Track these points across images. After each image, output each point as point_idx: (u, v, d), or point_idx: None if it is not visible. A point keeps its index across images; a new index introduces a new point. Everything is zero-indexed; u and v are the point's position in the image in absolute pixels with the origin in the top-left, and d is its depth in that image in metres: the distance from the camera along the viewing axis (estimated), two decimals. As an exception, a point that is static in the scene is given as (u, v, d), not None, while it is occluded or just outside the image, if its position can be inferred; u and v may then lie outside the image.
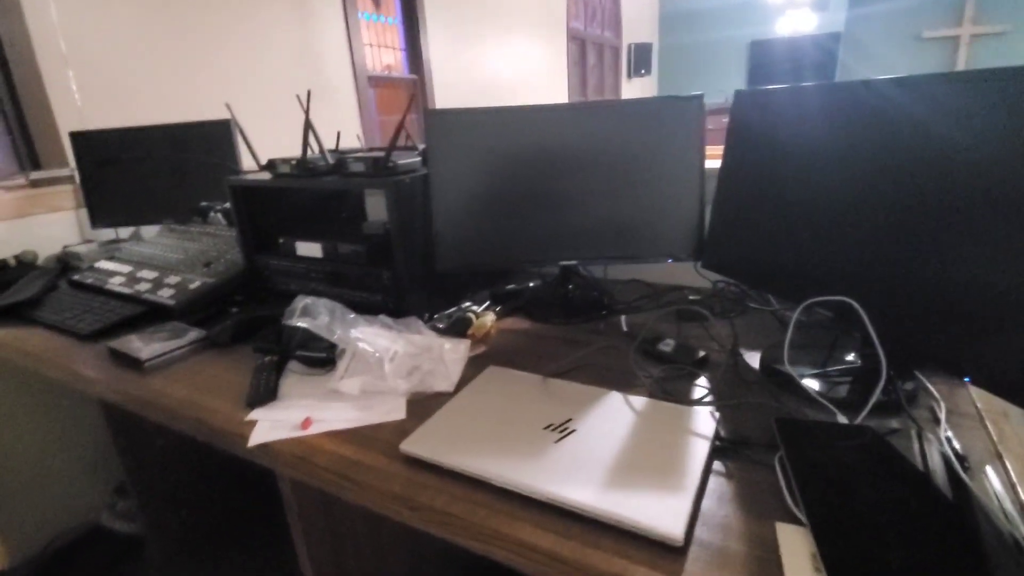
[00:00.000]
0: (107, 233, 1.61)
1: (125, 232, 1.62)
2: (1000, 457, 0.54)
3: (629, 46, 6.74)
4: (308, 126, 0.96)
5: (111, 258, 1.30)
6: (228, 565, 1.07)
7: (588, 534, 0.46)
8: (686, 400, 0.66)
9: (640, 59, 6.95)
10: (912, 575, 0.40)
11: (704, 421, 0.60)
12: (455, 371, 0.74)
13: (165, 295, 1.06)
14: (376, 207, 1.39)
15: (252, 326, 0.95)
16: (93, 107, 1.77)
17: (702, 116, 0.91)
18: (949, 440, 0.56)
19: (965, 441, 0.57)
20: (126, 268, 1.22)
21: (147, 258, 1.25)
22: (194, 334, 0.92)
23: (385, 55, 3.62)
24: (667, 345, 0.78)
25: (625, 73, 6.77)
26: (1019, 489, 0.50)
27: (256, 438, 0.65)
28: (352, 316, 0.79)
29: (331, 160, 0.97)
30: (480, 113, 0.91)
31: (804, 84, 0.74)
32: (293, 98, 2.73)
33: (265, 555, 1.10)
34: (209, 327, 0.94)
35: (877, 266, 0.64)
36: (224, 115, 1.40)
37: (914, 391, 0.66)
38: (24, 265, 1.39)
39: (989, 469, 0.52)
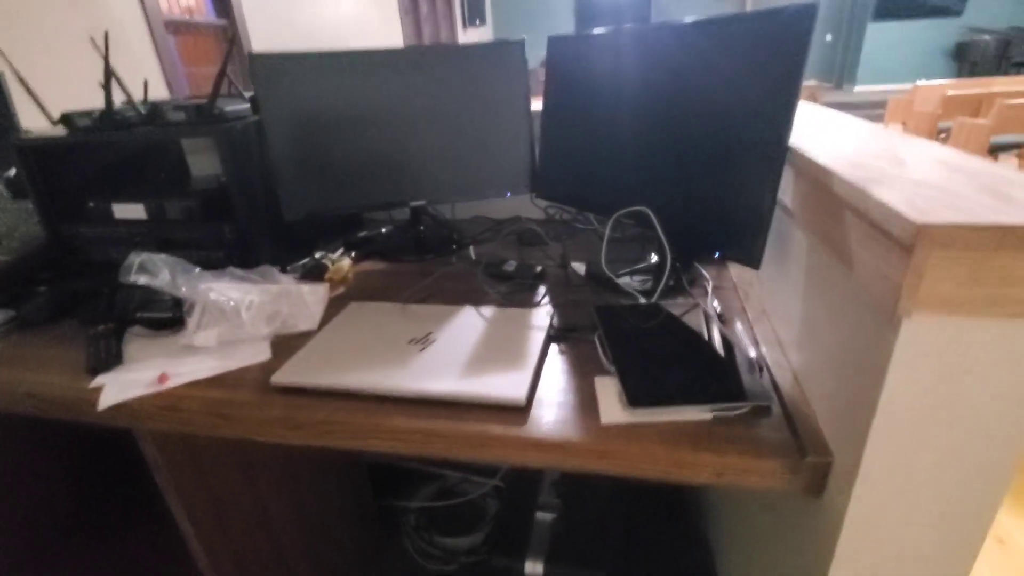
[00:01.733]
0: None
1: None
2: (744, 311, 0.75)
3: (461, -5, 6.65)
4: (109, 72, 0.86)
5: None
6: (89, 552, 0.99)
7: (454, 414, 0.56)
8: (528, 305, 0.78)
9: (473, 8, 6.93)
10: (683, 391, 0.56)
11: (541, 317, 0.72)
12: (317, 311, 0.77)
13: (-59, 279, 0.89)
14: (200, 161, 1.28)
15: (71, 299, 0.86)
16: None
17: (523, 59, 1.00)
18: (713, 305, 0.76)
19: (725, 304, 0.77)
20: None
21: (-100, 241, 1.02)
22: (2, 315, 0.81)
23: (183, -5, 3.15)
24: (510, 266, 0.90)
25: (460, 23, 6.70)
26: (752, 328, 0.70)
27: (106, 400, 0.62)
28: (197, 271, 0.76)
29: (142, 110, 0.89)
30: (310, 57, 0.90)
31: (598, 30, 0.86)
32: (63, 47, 2.29)
33: (131, 533, 1.04)
34: (16, 308, 0.83)
35: (661, 182, 0.80)
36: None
37: (693, 277, 0.86)
38: None
39: (737, 320, 0.72)
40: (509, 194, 1.06)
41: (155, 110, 0.88)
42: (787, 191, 0.64)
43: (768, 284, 0.74)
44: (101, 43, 0.90)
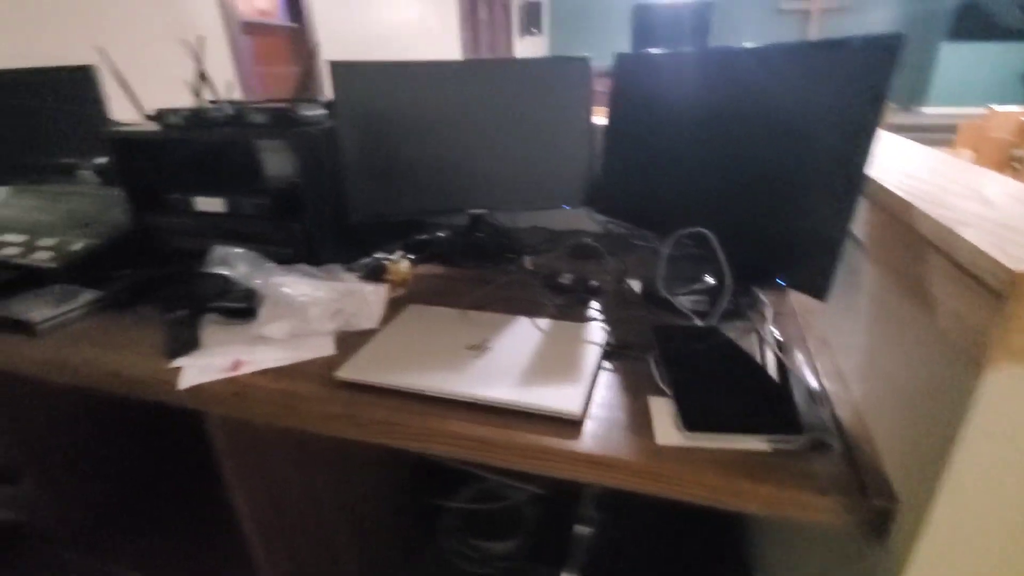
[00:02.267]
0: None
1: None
2: (804, 341, 0.73)
3: (520, 3, 6.73)
4: (201, 74, 0.93)
5: (-43, 222, 1.15)
6: (152, 525, 1.06)
7: (508, 422, 0.57)
8: (582, 319, 0.79)
9: (531, 17, 7.00)
10: (741, 419, 0.55)
11: (596, 333, 0.72)
12: (377, 311, 0.81)
13: (43, 258, 0.98)
14: (272, 162, 1.35)
15: (153, 285, 0.93)
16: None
17: (589, 76, 1.01)
18: (772, 332, 0.74)
19: (784, 332, 0.75)
20: (-18, 232, 1.09)
21: (7, 220, 1.13)
22: (89, 295, 0.88)
23: (258, -1, 3.32)
24: (566, 278, 0.90)
25: (516, 31, 6.78)
26: (813, 359, 0.69)
27: (185, 381, 0.67)
28: (270, 265, 0.81)
29: (230, 111, 0.95)
30: (387, 66, 0.94)
31: (670, 51, 0.87)
32: (149, 46, 2.45)
33: (189, 513, 1.10)
34: (102, 290, 0.90)
35: (725, 205, 0.80)
36: (81, 61, 1.27)
37: (751, 301, 0.84)
38: None
39: (797, 349, 0.71)
40: (567, 207, 1.07)
41: (240, 112, 0.94)
42: (859, 222, 0.62)
43: (831, 314, 0.72)
44: (190, 47, 0.97)
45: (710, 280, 0.88)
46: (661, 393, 0.61)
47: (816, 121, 0.64)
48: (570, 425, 0.56)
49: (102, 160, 1.29)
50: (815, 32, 6.33)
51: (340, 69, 0.93)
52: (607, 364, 0.68)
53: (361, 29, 4.09)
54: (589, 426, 0.56)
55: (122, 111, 1.33)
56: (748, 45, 0.74)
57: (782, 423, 0.55)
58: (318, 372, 0.68)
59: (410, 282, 0.96)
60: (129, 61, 1.67)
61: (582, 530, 0.98)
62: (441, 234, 1.16)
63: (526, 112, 1.00)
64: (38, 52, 2.00)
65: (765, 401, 0.59)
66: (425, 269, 1.03)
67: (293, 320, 0.76)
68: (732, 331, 0.73)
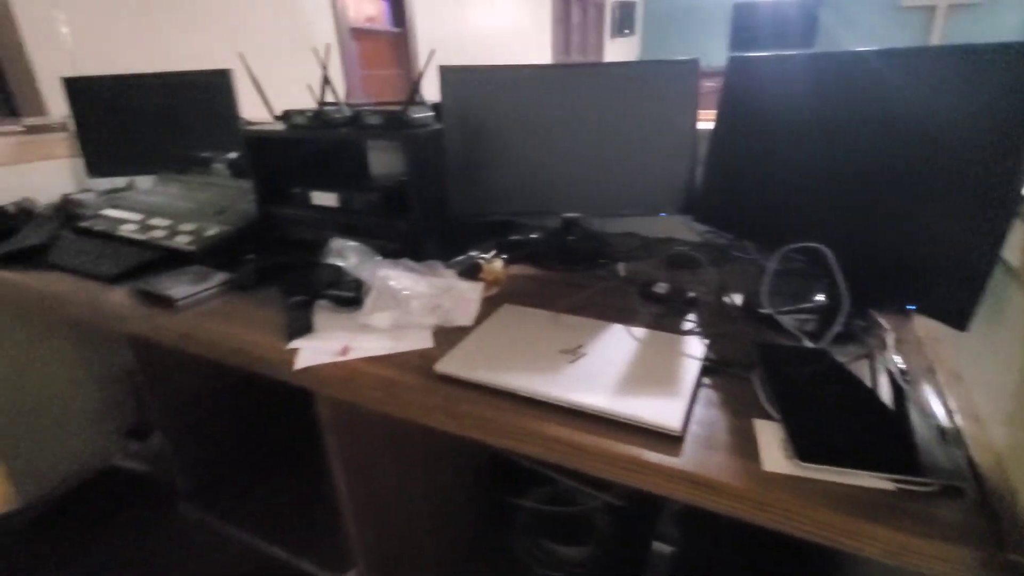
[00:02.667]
0: (103, 183, 1.61)
1: (120, 182, 1.62)
2: (933, 373, 0.66)
3: (613, 4, 6.64)
4: (326, 79, 1.00)
5: (116, 206, 1.32)
6: (259, 489, 1.17)
7: (603, 430, 0.57)
8: (677, 330, 0.77)
9: (624, 18, 6.88)
10: (857, 452, 0.51)
11: (695, 346, 0.70)
12: (473, 308, 0.83)
13: (183, 241, 1.10)
14: (379, 160, 1.43)
15: (274, 270, 1.01)
16: (86, 53, 1.73)
17: (696, 79, 0.98)
18: (894, 361, 0.68)
19: (909, 361, 0.69)
20: (136, 216, 1.25)
21: (155, 206, 1.28)
22: (221, 276, 0.98)
23: (367, 6, 3.52)
24: (661, 288, 0.88)
25: (608, 32, 6.69)
26: (944, 394, 0.62)
27: (301, 363, 0.73)
28: (378, 258, 0.86)
29: (348, 112, 1.02)
30: (492, 70, 0.96)
31: (793, 52, 0.82)
32: (274, 50, 2.68)
33: (293, 476, 1.20)
34: (231, 272, 1.00)
35: (844, 219, 0.74)
36: (218, 65, 1.41)
37: (868, 325, 0.78)
38: (24, 212, 1.39)
39: (925, 381, 0.64)
40: (664, 214, 1.04)
41: (357, 114, 1.00)
42: (1010, 245, 0.56)
43: (967, 346, 0.65)
44: (317, 54, 1.05)
45: (820, 299, 0.82)
46: (767, 416, 0.58)
47: (965, 133, 0.58)
48: (668, 440, 0.54)
49: (233, 155, 1.43)
50: (939, 31, 5.69)
51: (448, 73, 0.97)
52: (706, 380, 0.65)
53: (457, 33, 4.22)
54: (689, 443, 0.54)
55: (250, 110, 1.47)
56: (877, 47, 0.68)
57: (911, 463, 0.50)
58: (418, 363, 0.71)
59: (502, 281, 0.98)
60: (258, 66, 1.83)
61: (662, 548, 0.95)
62: (534, 236, 1.17)
63: (629, 116, 0.98)
64: (187, 57, 2.26)
65: (891, 436, 0.54)
66: (517, 269, 1.04)
67: (396, 312, 0.80)
68: (842, 356, 0.68)
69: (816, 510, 0.48)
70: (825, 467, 0.50)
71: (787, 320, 0.78)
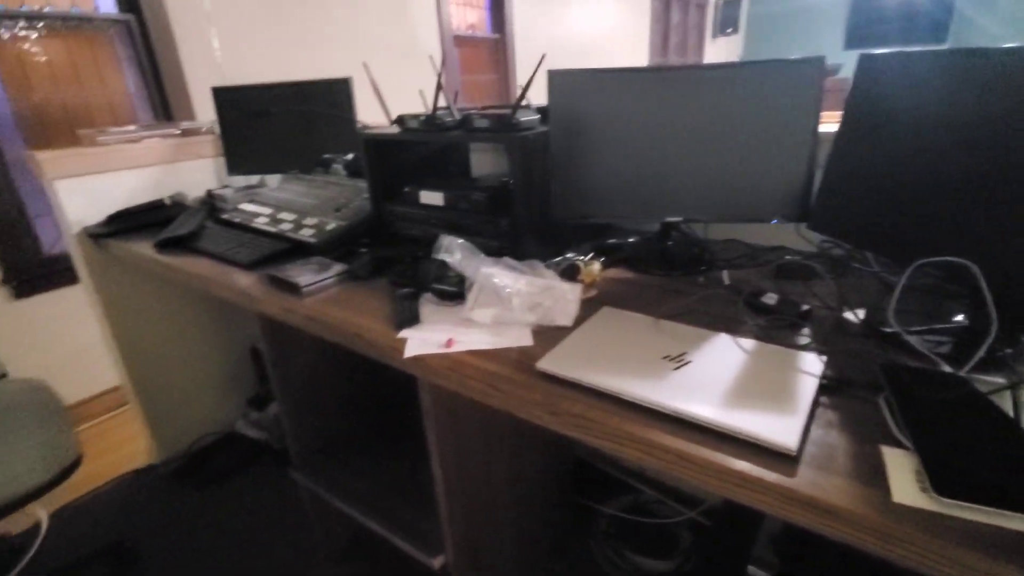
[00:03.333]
0: (239, 180, 1.81)
1: (253, 180, 1.81)
2: (1108, 413, 0.58)
3: (717, 2, 6.36)
4: (439, 85, 1.06)
5: (251, 201, 1.48)
6: (360, 464, 1.26)
7: (710, 442, 0.55)
8: (791, 345, 0.72)
9: (727, 17, 6.56)
10: (1004, 491, 0.46)
11: (811, 362, 0.66)
12: (573, 309, 0.84)
13: (307, 234, 1.21)
14: (481, 162, 1.48)
15: (385, 263, 1.09)
16: (231, 65, 1.96)
17: (819, 79, 0.92)
18: (1056, 395, 0.60)
19: (1073, 398, 0.60)
20: (267, 210, 1.40)
21: (283, 202, 1.42)
22: (338, 267, 1.06)
23: (469, 14, 3.65)
24: (770, 298, 0.84)
25: (710, 32, 6.42)
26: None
27: (409, 351, 0.78)
28: (482, 256, 0.89)
29: (457, 116, 1.07)
30: (601, 74, 0.97)
31: (935, 48, 0.74)
32: (385, 59, 2.85)
33: (391, 456, 1.29)
34: (348, 264, 1.08)
35: (993, 232, 0.66)
36: (339, 74, 1.54)
37: (1017, 352, 0.69)
38: (177, 205, 1.60)
39: (1096, 422, 0.56)
40: (775, 221, 0.98)
41: (466, 117, 1.05)
42: None
43: None
44: (432, 62, 1.11)
45: (959, 319, 0.74)
46: (897, 444, 0.53)
47: None
48: (782, 459, 0.52)
49: (350, 156, 1.54)
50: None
51: (556, 77, 0.98)
52: (824, 399, 0.61)
53: (554, 36, 4.24)
54: (805, 464, 0.52)
55: (365, 115, 1.58)
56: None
57: (1072, 510, 0.44)
58: (518, 360, 0.73)
59: (599, 284, 0.98)
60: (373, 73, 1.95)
61: (758, 572, 0.90)
62: (631, 240, 1.16)
63: (743, 119, 0.94)
64: (311, 67, 2.47)
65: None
66: (614, 273, 1.04)
67: (498, 308, 0.83)
68: (982, 384, 0.61)
69: (955, 550, 0.43)
70: (967, 504, 0.45)
71: (917, 341, 0.71)
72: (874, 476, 0.50)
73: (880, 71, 0.82)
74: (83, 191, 1.51)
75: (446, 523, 0.97)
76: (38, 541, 1.53)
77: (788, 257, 1.01)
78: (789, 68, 0.91)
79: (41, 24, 1.93)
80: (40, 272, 1.95)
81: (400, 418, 1.42)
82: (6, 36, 1.85)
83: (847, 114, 0.87)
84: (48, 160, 1.42)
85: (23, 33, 1.89)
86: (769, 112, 0.93)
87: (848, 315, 0.79)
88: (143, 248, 1.32)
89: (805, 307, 0.81)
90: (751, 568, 0.92)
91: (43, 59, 1.95)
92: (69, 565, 1.40)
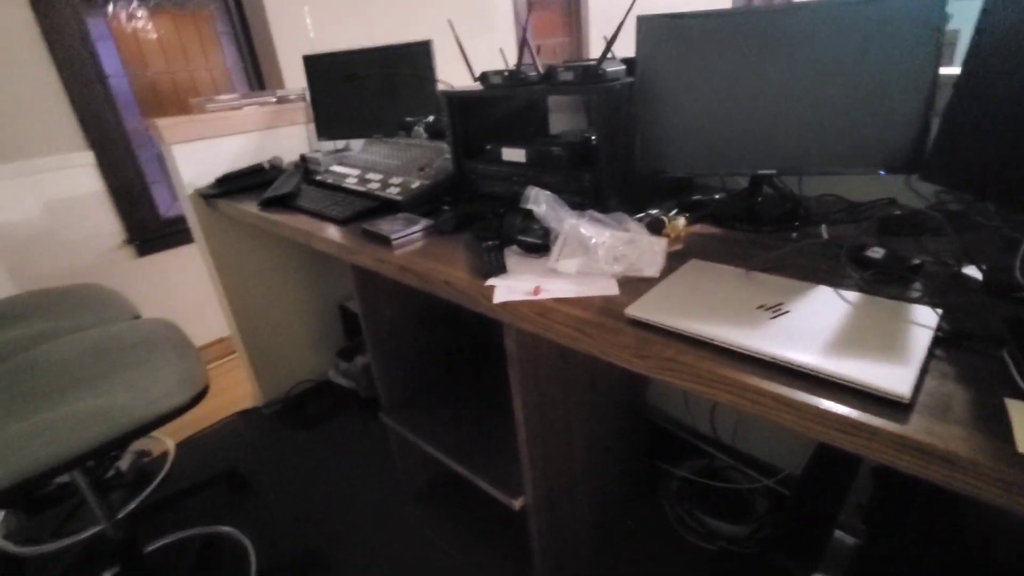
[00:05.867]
0: (327, 144, 1.90)
1: (340, 144, 1.91)
2: None
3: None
4: (524, 41, 1.05)
5: (340, 163, 1.56)
6: (443, 412, 1.33)
7: (812, 389, 0.54)
8: (899, 299, 0.68)
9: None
10: None
11: (924, 315, 0.62)
12: (659, 260, 0.83)
13: (393, 192, 1.27)
14: (559, 122, 1.47)
15: (467, 219, 1.12)
16: (322, 34, 2.04)
17: (944, 16, 0.83)
18: None
19: None
20: (355, 171, 1.47)
21: (370, 164, 1.48)
22: (424, 222, 1.11)
23: (543, -27, 3.55)
24: (876, 252, 0.79)
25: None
26: None
27: (498, 298, 0.81)
28: (567, 208, 0.90)
29: (540, 70, 1.06)
30: (693, 17, 0.93)
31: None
32: (460, 22, 2.85)
33: (471, 405, 1.36)
34: (433, 219, 1.13)
35: None
36: (419, 37, 1.56)
37: None
38: (274, 168, 1.72)
39: None
40: (882, 172, 0.91)
41: (550, 71, 1.04)
42: None
43: None
44: (518, 20, 1.10)
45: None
46: (1021, 396, 0.50)
47: None
48: (894, 407, 0.50)
49: (430, 119, 1.58)
50: None
51: (645, 23, 0.95)
52: (938, 352, 0.58)
53: (634, -8, 4.04)
54: (918, 413, 0.49)
55: (445, 76, 1.61)
56: None
57: None
58: (605, 307, 0.74)
59: (684, 239, 0.96)
60: (447, 36, 1.97)
61: (844, 537, 0.88)
62: (717, 196, 1.12)
63: (849, 62, 0.87)
64: (390, 31, 2.53)
65: None
66: (699, 229, 1.01)
67: (583, 259, 0.84)
68: None
69: (1091, 505, 0.41)
70: (1112, 458, 0.41)
71: (1052, 298, 0.65)
72: (996, 427, 0.47)
73: (1016, 4, 0.72)
74: (194, 156, 1.65)
75: (526, 466, 1.01)
76: (167, 465, 1.75)
77: (895, 211, 0.94)
78: (908, 4, 0.83)
79: (152, 2, 2.09)
80: (158, 233, 2.18)
81: (478, 371, 1.48)
82: (122, 14, 2.02)
83: (972, 52, 0.78)
84: (167, 127, 1.56)
85: (136, 12, 2.07)
86: (880, 54, 0.86)
87: (966, 270, 0.73)
88: (249, 207, 1.44)
89: (916, 261, 0.75)
90: (837, 533, 0.89)
91: (154, 36, 2.12)
92: (195, 486, 1.60)
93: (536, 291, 0.80)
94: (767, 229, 0.98)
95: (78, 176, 1.94)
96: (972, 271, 0.73)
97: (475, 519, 1.45)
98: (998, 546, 0.83)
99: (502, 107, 1.33)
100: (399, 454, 1.46)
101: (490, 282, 0.85)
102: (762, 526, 1.35)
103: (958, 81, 0.81)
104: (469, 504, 1.50)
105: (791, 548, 0.88)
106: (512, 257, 0.94)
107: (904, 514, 0.92)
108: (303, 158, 1.70)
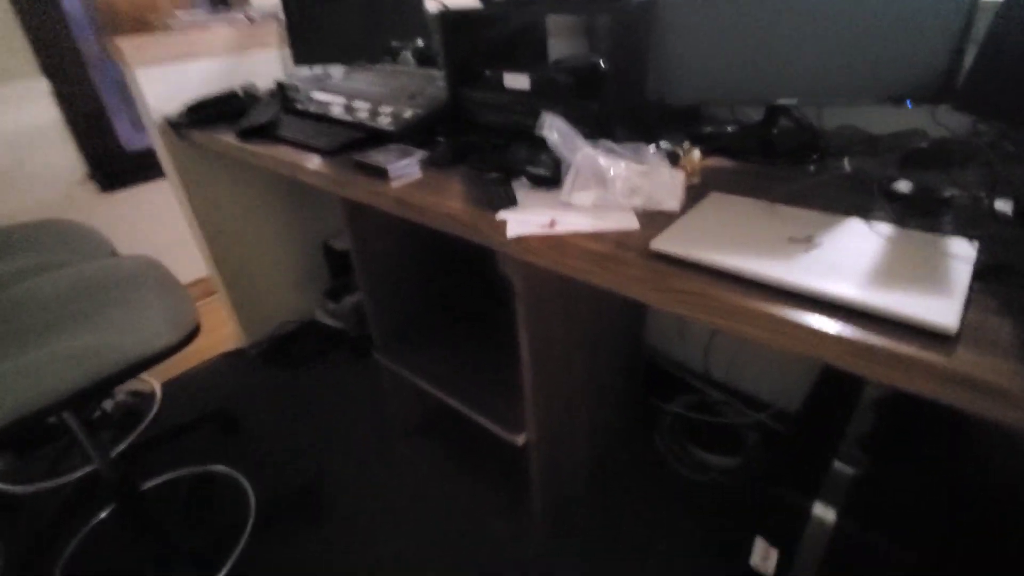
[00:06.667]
0: (304, 71, 1.76)
1: (318, 71, 1.76)
2: None
3: None
4: (531, -57, 0.95)
5: (322, 90, 1.44)
6: (437, 350, 1.31)
7: (850, 322, 0.52)
8: (932, 231, 0.66)
9: None
10: None
11: (960, 247, 0.60)
12: (678, 193, 0.79)
13: (384, 122, 1.18)
14: (559, 49, 1.37)
15: (465, 151, 1.05)
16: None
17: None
18: None
19: None
20: (340, 99, 1.36)
21: (355, 91, 1.37)
22: (420, 154, 1.03)
23: None
24: (903, 185, 0.76)
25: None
26: None
27: (512, 232, 0.76)
28: (580, 138, 0.84)
29: (549, -17, 0.96)
30: (722, -79, 0.83)
31: None
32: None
33: (467, 344, 1.34)
34: (428, 151, 1.05)
35: None
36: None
37: None
38: (249, 96, 1.58)
39: None
40: (909, 103, 0.87)
41: (559, -17, 0.95)
42: None
43: None
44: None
45: None
46: (1068, 329, 0.48)
47: None
48: (938, 340, 0.48)
49: (419, 43, 1.46)
50: None
51: (670, -71, 0.86)
52: (977, 285, 0.56)
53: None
54: (963, 346, 0.48)
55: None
56: None
57: None
58: (623, 242, 0.70)
59: (699, 173, 0.92)
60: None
61: (843, 468, 0.90)
62: (729, 128, 1.07)
63: (888, -24, 0.80)
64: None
65: None
66: (712, 162, 0.96)
67: (597, 191, 0.79)
68: None
69: None
70: None
71: (1085, 232, 0.63)
72: (1045, 360, 0.46)
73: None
74: (161, 80, 1.51)
75: (530, 403, 1.00)
76: (155, 406, 1.72)
77: (921, 143, 0.90)
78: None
79: (97, -99, 1.85)
80: (123, 167, 2.03)
81: (472, 308, 1.45)
82: (65, -84, 1.79)
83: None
84: (131, 47, 1.41)
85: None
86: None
87: (1000, 204, 0.71)
88: (226, 137, 1.33)
89: (947, 193, 0.72)
90: (837, 463, 0.92)
91: (103, -57, 1.89)
92: (185, 425, 1.57)
93: (551, 224, 0.76)
94: (783, 162, 0.93)
95: (33, 105, 1.77)
96: (1004, 205, 0.71)
97: (468, 454, 1.47)
98: (996, 471, 0.86)
99: (499, 30, 1.22)
100: (392, 392, 1.45)
101: (501, 215, 0.80)
102: (751, 459, 1.40)
103: (1005, 4, 0.75)
104: (462, 440, 1.51)
105: (791, 479, 0.90)
106: (519, 191, 0.88)
107: (905, 444, 0.94)
108: (280, 85, 1.56)
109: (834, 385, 1.09)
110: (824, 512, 0.86)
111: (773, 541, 0.96)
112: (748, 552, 1.02)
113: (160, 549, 1.16)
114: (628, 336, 1.31)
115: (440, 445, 1.52)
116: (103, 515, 1.38)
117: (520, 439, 1.05)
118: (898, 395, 1.03)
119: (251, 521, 1.33)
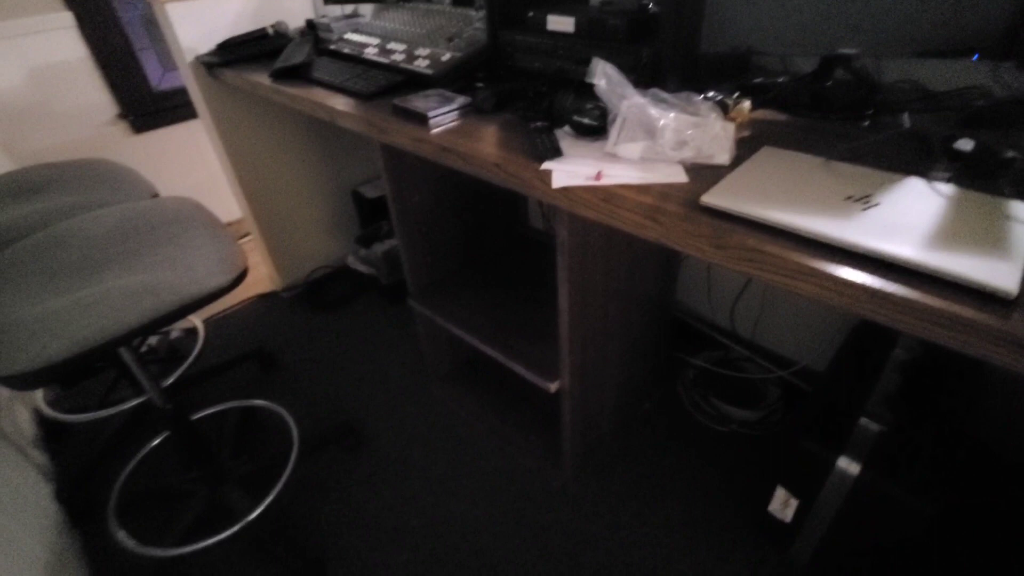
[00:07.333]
0: (334, 9, 1.71)
1: (348, 9, 1.71)
2: None
3: None
4: None
5: (356, 31, 1.41)
6: (471, 299, 1.34)
7: (908, 283, 0.52)
8: (995, 193, 0.64)
9: None
10: None
11: (1021, 211, 0.59)
12: (729, 147, 0.77)
13: (422, 65, 1.15)
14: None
15: (508, 97, 1.03)
16: None
17: None
18: None
19: None
20: (374, 40, 1.33)
21: (390, 32, 1.34)
22: (462, 99, 1.02)
23: None
24: (964, 144, 0.73)
25: None
26: None
27: (557, 183, 0.76)
28: (630, 86, 0.82)
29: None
30: None
31: None
32: None
33: (500, 294, 1.36)
34: (470, 96, 1.03)
35: None
36: None
37: None
38: (280, 35, 1.55)
39: None
40: (976, 57, 0.83)
41: (613, -83, 0.90)
42: None
43: None
44: None
45: None
46: None
47: None
48: (997, 303, 0.48)
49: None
50: None
51: None
52: (1037, 249, 0.55)
53: None
54: (1020, 310, 0.48)
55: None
56: None
57: None
58: (675, 196, 0.70)
59: (748, 126, 0.89)
60: None
61: (869, 424, 0.93)
62: (780, 79, 1.03)
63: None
64: None
65: None
66: (762, 114, 0.94)
67: (646, 142, 0.78)
68: None
69: None
70: None
71: None
72: (1105, 326, 0.46)
73: None
74: (191, 17, 1.48)
75: (565, 351, 1.03)
76: (199, 343, 1.80)
77: (985, 101, 0.86)
78: None
79: None
80: (154, 107, 2.03)
81: (506, 257, 1.47)
82: None
83: None
84: (158, -21, 1.38)
85: None
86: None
87: (1065, 165, 0.69)
88: (260, 78, 1.32)
89: (1010, 154, 0.70)
90: (863, 420, 0.94)
91: None
92: (226, 362, 1.65)
93: (598, 176, 0.75)
94: (836, 116, 0.91)
95: (58, 40, 1.76)
96: (1068, 167, 0.69)
97: (499, 398, 1.53)
98: (1016, 434, 0.88)
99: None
100: (426, 338, 1.49)
101: (545, 165, 0.80)
102: (772, 413, 1.43)
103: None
104: (493, 385, 1.57)
105: (818, 433, 0.93)
106: (564, 140, 0.87)
107: (929, 404, 0.96)
108: (311, 24, 1.53)
109: (862, 346, 1.10)
110: (848, 465, 0.89)
111: (794, 491, 1.00)
112: (766, 499, 1.07)
113: (213, 472, 1.25)
114: (660, 291, 1.32)
115: (471, 389, 1.57)
116: (156, 442, 1.48)
117: (554, 386, 1.09)
118: (925, 357, 1.04)
119: (295, 450, 1.41)
